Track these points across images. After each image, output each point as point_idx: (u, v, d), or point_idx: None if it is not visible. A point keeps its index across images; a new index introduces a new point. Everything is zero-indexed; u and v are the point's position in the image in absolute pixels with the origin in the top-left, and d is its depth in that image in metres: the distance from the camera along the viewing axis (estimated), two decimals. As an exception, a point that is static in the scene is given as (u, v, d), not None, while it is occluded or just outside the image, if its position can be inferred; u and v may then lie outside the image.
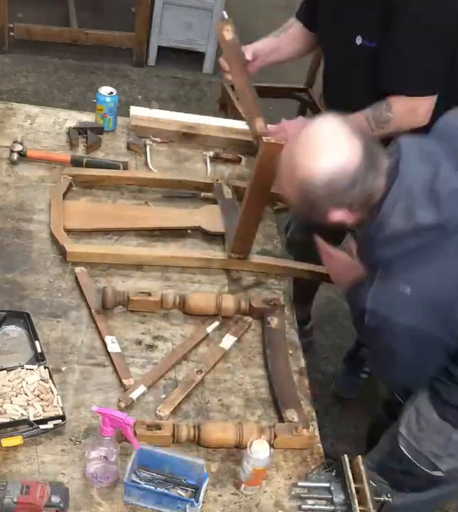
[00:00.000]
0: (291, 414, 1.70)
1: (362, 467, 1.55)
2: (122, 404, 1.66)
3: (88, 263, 2.00)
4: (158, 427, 1.59)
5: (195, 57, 4.61)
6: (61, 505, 1.38)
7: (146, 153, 2.41)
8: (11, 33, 4.27)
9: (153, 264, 2.04)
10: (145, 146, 2.44)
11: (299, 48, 2.49)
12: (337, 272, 1.92)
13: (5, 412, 1.56)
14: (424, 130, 1.95)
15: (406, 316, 1.54)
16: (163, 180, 2.31)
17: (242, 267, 2.09)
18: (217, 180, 2.33)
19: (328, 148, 1.51)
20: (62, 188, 2.17)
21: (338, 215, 1.58)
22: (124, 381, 1.71)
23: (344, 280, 1.82)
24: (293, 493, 1.58)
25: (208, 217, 2.20)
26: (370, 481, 1.56)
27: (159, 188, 2.30)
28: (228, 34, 2.24)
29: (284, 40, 2.45)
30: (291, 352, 1.90)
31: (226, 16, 2.28)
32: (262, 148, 1.79)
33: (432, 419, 1.77)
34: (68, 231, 2.06)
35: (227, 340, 1.88)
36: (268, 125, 2.13)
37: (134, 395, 1.69)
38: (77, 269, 1.97)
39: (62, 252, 2.00)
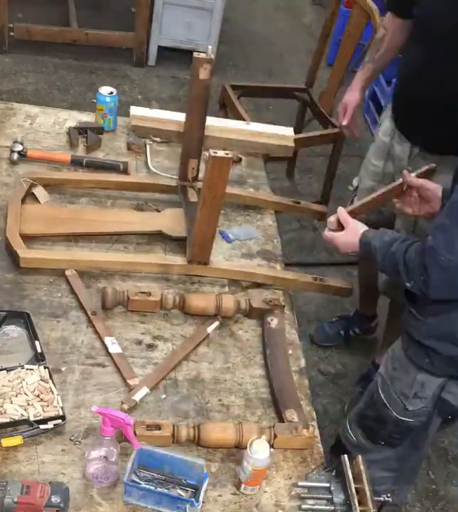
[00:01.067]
0: (291, 414, 1.70)
1: (362, 467, 1.55)
2: (125, 407, 1.66)
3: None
4: (158, 427, 1.59)
5: (195, 58, 4.61)
6: (61, 505, 1.38)
7: (146, 153, 2.42)
8: (11, 33, 4.27)
9: (111, 270, 1.99)
10: (145, 146, 2.44)
11: (397, 51, 2.49)
12: (347, 240, 1.91)
13: (5, 412, 1.56)
14: None
15: None
16: (125, 183, 2.26)
17: (203, 272, 2.04)
18: (183, 183, 2.27)
19: None
20: (20, 192, 2.11)
21: None
22: (130, 381, 1.71)
23: (353, 242, 1.87)
24: (293, 493, 1.58)
25: (171, 221, 2.15)
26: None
27: (123, 190, 2.25)
28: (204, 73, 2.09)
29: (380, 60, 2.50)
30: (290, 352, 1.90)
31: (210, 52, 2.13)
32: (211, 162, 1.81)
33: (401, 357, 1.86)
34: (26, 236, 1.99)
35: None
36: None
37: (137, 396, 1.69)
38: (68, 272, 1.95)
39: (15, 258, 1.94)
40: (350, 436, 2.02)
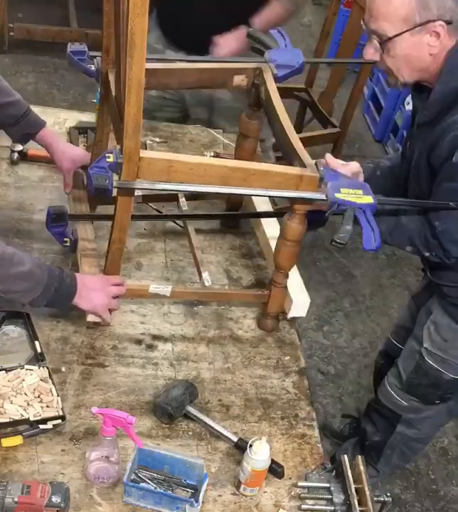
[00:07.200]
0: None
1: (362, 467, 1.55)
2: None
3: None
4: None
5: (195, 57, 4.61)
6: (62, 505, 1.38)
7: (146, 154, 2.41)
8: (11, 33, 4.27)
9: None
10: (145, 145, 2.44)
11: None
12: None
13: (5, 412, 1.56)
14: None
15: None
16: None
17: None
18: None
19: None
20: None
21: (437, 30, 1.62)
22: None
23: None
24: (293, 493, 1.58)
25: None
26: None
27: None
28: None
29: None
30: (290, 353, 1.90)
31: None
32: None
33: (451, 327, 1.94)
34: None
35: None
36: None
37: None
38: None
39: None
40: (399, 401, 2.11)
